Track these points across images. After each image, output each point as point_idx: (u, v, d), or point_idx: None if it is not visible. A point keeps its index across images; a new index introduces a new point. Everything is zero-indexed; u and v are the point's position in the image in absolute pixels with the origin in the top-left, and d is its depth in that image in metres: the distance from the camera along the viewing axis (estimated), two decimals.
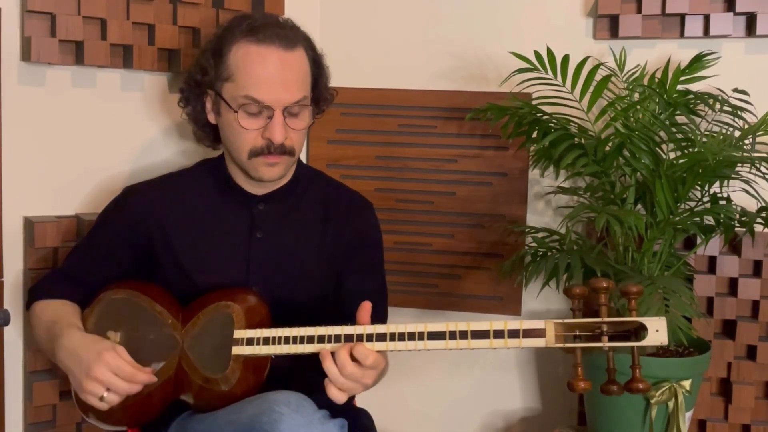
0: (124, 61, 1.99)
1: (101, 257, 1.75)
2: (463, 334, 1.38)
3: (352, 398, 1.80)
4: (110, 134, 2.03)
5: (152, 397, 1.58)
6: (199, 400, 1.59)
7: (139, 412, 1.61)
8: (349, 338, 1.44)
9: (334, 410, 1.51)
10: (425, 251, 2.41)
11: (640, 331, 1.30)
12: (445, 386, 2.50)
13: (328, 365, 1.41)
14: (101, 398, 1.49)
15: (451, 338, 1.39)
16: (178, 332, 1.61)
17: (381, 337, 1.42)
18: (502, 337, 1.36)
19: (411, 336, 1.41)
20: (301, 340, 1.48)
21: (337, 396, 1.42)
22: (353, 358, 1.41)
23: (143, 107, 2.07)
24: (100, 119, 2.01)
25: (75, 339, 1.55)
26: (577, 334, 1.33)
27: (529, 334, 1.34)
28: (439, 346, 1.39)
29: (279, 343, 1.50)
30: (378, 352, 1.42)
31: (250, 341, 1.53)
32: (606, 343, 1.31)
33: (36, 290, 1.77)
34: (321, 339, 1.46)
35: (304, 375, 1.63)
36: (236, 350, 1.53)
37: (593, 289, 1.33)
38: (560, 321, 1.33)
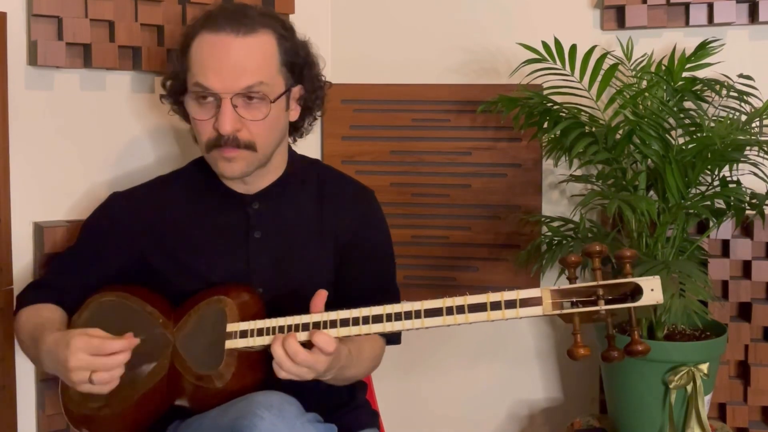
0: (134, 63, 1.97)
1: (87, 264, 1.69)
2: (460, 309, 1.34)
3: (359, 397, 1.75)
4: (121, 137, 2.01)
5: (145, 400, 1.53)
6: (195, 402, 1.53)
7: (132, 419, 1.55)
8: (344, 322, 1.39)
9: (331, 412, 1.50)
10: (442, 244, 2.42)
11: (635, 293, 1.29)
12: (464, 381, 2.51)
13: (277, 349, 1.36)
14: (91, 381, 1.39)
15: (448, 314, 1.35)
16: (170, 331, 1.55)
17: (377, 319, 1.38)
18: (500, 308, 1.32)
19: (408, 315, 1.37)
20: (296, 328, 1.42)
21: (286, 376, 1.38)
22: (310, 345, 1.37)
23: (154, 108, 2.04)
24: (110, 122, 1.99)
25: (51, 341, 1.47)
26: (574, 300, 1.31)
27: (526, 303, 1.31)
28: (437, 323, 1.35)
29: (275, 333, 1.43)
30: (337, 338, 1.39)
31: (244, 334, 1.46)
32: (603, 306, 1.29)
33: (22, 297, 1.70)
34: (317, 325, 1.40)
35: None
36: (230, 344, 1.47)
37: (587, 253, 1.32)
38: (556, 288, 1.31)
